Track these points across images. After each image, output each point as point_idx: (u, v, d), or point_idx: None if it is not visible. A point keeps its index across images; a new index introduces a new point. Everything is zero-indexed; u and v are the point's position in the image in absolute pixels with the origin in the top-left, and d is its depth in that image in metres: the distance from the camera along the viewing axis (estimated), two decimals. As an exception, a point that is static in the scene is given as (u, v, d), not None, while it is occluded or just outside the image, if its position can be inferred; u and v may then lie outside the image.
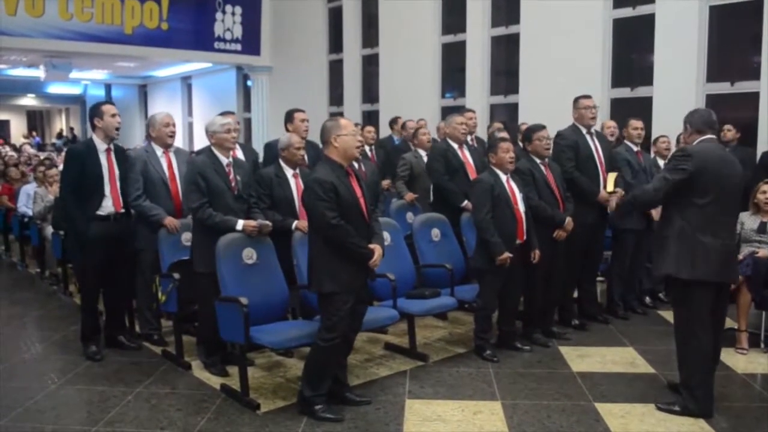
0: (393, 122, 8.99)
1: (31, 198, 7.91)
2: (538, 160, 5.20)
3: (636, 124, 6.01)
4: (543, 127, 5.22)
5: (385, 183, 7.10)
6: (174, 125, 5.19)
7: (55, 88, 22.33)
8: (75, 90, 23.24)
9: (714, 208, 3.85)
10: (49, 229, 7.30)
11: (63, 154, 12.40)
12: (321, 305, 3.90)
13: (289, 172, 4.99)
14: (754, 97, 7.61)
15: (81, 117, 24.77)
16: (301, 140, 5.10)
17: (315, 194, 3.75)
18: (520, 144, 6.98)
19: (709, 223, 3.84)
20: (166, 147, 5.15)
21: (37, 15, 11.54)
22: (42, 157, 12.00)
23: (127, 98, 20.93)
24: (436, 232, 5.45)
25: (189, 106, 18.02)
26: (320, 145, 4.14)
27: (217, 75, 16.33)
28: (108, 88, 21.90)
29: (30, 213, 7.90)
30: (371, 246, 3.88)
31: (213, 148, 4.61)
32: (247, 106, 15.18)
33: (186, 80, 18.20)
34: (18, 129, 28.03)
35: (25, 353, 5.17)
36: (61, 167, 8.73)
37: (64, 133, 25.86)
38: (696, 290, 3.86)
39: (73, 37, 12.01)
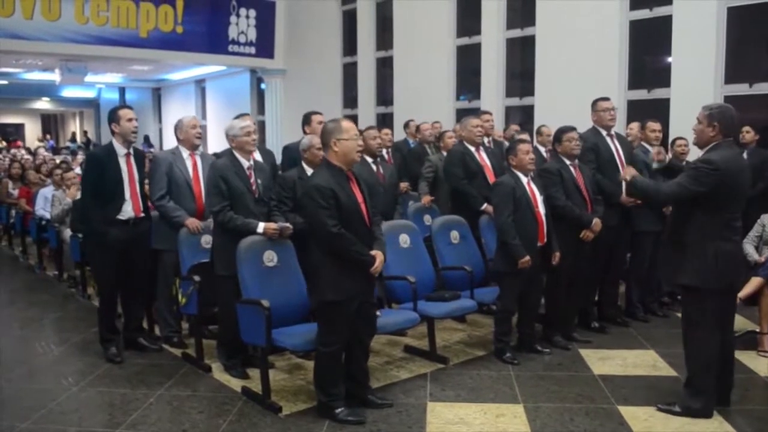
0: (405, 125, 8.99)
1: (49, 201, 7.96)
2: (567, 161, 5.18)
3: (654, 126, 5.98)
4: (573, 128, 5.20)
5: (403, 186, 7.10)
6: (200, 127, 5.23)
7: (70, 92, 22.51)
8: (89, 93, 23.40)
9: (731, 215, 3.83)
10: (67, 232, 7.33)
11: (78, 157, 12.50)
12: (321, 313, 3.88)
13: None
14: (772, 98, 7.57)
15: (95, 120, 24.95)
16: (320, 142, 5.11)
17: (315, 202, 3.70)
18: (537, 145, 7.01)
19: (727, 229, 3.81)
20: (193, 149, 5.18)
21: (54, 19, 11.64)
22: (58, 161, 12.06)
23: (141, 101, 21.04)
24: (455, 235, 5.44)
25: (203, 109, 18.09)
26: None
27: (231, 78, 16.41)
28: (122, 91, 22.06)
29: (48, 216, 7.94)
30: (373, 252, 3.84)
31: (234, 152, 4.62)
32: (261, 109, 15.24)
33: (200, 83, 18.29)
34: (32, 132, 28.27)
35: (44, 355, 5.20)
36: (77, 170, 8.81)
37: (78, 136, 26.02)
38: (710, 296, 3.80)
39: (88, 41, 12.11)
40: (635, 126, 6.76)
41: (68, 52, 12.44)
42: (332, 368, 3.91)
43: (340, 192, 3.73)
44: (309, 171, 4.97)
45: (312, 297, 3.89)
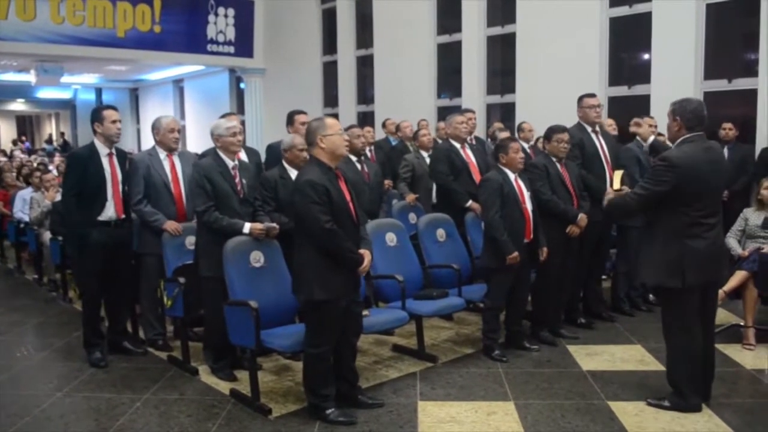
0: (383, 124, 8.98)
1: (27, 203, 7.84)
2: (554, 158, 5.19)
3: (649, 121, 5.98)
4: (564, 129, 5.21)
5: (387, 183, 7.08)
6: (179, 131, 5.12)
7: (45, 93, 22.15)
8: (65, 94, 23.05)
9: (699, 211, 3.76)
10: (47, 235, 7.23)
11: (56, 158, 12.32)
12: (308, 313, 3.83)
13: (293, 174, 4.93)
14: (751, 94, 7.64)
15: (71, 122, 24.61)
16: (304, 141, 5.06)
17: (308, 197, 3.65)
18: (519, 142, 7.02)
19: (695, 226, 3.75)
20: (170, 151, 5.10)
21: (29, 19, 11.45)
22: (36, 163, 11.89)
23: (118, 102, 20.69)
24: (441, 233, 5.43)
25: (181, 109, 17.90)
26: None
27: (209, 78, 16.26)
28: (99, 92, 21.76)
29: (26, 218, 7.81)
30: (361, 251, 3.81)
31: (218, 151, 4.57)
32: (241, 109, 15.11)
33: (178, 83, 18.10)
34: (7, 134, 27.80)
35: (28, 361, 5.11)
36: (54, 172, 8.68)
37: (54, 138, 25.67)
38: (683, 295, 3.80)
39: (64, 41, 11.92)
40: (610, 121, 6.79)
41: (44, 52, 12.23)
42: (321, 369, 3.87)
43: (331, 189, 3.70)
44: (290, 170, 4.95)
45: (298, 296, 3.83)
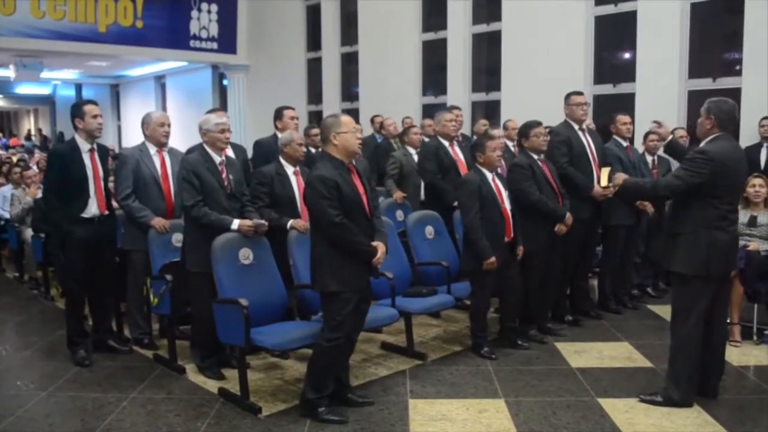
0: (371, 121, 8.95)
1: (8, 200, 7.70)
2: (535, 156, 5.19)
3: (624, 119, 6.00)
4: (540, 123, 5.22)
5: (372, 180, 7.06)
6: (169, 125, 5.07)
7: (24, 89, 21.86)
8: (44, 90, 22.76)
9: (727, 205, 3.89)
10: (28, 232, 7.11)
11: (35, 155, 12.15)
12: (325, 305, 3.82)
13: (290, 170, 4.91)
14: (735, 93, 7.68)
15: (50, 118, 24.32)
16: (302, 137, 5.04)
17: (318, 192, 3.67)
18: (504, 140, 7.03)
19: (723, 219, 3.87)
20: (160, 146, 5.03)
21: (8, 13, 11.27)
22: (15, 159, 11.70)
23: (98, 98, 20.36)
24: (430, 230, 5.42)
25: (163, 106, 17.71)
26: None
27: (192, 74, 16.11)
28: (78, 88, 21.47)
29: (7, 216, 7.69)
30: (374, 243, 3.81)
31: (205, 146, 4.52)
32: (224, 105, 14.96)
33: (160, 79, 17.93)
34: (-16, 130, 27.41)
35: (10, 360, 5.02)
36: (35, 168, 8.55)
37: (33, 134, 25.34)
38: (703, 285, 3.87)
39: (45, 36, 11.75)
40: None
41: (24, 47, 12.05)
42: (330, 364, 3.85)
43: (342, 183, 3.70)
44: (287, 166, 4.90)
45: (314, 288, 3.83)
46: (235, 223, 4.34)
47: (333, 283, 3.72)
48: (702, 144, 3.95)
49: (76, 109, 4.79)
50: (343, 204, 3.69)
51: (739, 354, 4.94)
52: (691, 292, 3.91)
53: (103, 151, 4.92)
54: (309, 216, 3.88)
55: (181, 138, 8.43)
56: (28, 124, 27.59)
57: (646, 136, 6.43)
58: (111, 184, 5.11)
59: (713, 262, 3.84)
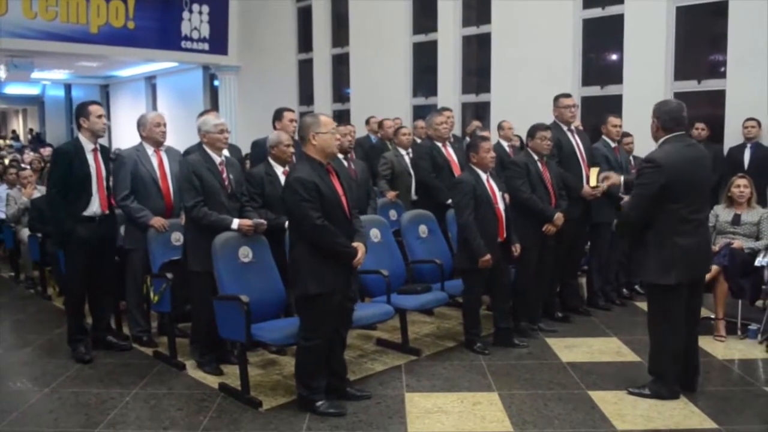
0: (366, 122, 9.04)
1: (3, 200, 7.75)
2: (535, 157, 5.31)
3: (615, 121, 6.15)
4: (548, 128, 5.34)
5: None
6: (165, 125, 5.15)
7: (12, 89, 21.76)
8: (33, 90, 22.69)
9: (687, 209, 3.90)
10: (24, 232, 7.17)
11: (26, 155, 12.14)
12: (303, 307, 3.89)
13: (279, 170, 4.99)
14: (720, 95, 7.87)
15: (39, 118, 24.22)
16: (290, 137, 5.12)
17: (298, 195, 3.71)
18: (500, 140, 7.16)
19: (684, 224, 3.89)
20: (158, 146, 5.12)
21: (0, 14, 11.28)
22: (8, 159, 11.71)
23: (88, 99, 20.42)
24: (423, 229, 5.53)
25: (154, 106, 17.73)
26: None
27: (182, 75, 16.14)
28: (68, 88, 21.45)
29: (2, 215, 7.73)
30: (354, 244, 3.88)
31: (204, 147, 4.61)
32: (214, 106, 15.00)
33: (150, 80, 17.95)
34: (-28, 131, 27.28)
35: (11, 357, 5.09)
36: (28, 169, 8.58)
37: (20, 135, 25.22)
38: (673, 291, 3.95)
39: (37, 36, 11.76)
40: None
41: (15, 47, 12.02)
42: (314, 362, 3.93)
43: (321, 185, 3.75)
44: (276, 167, 4.99)
45: (293, 290, 3.89)
46: (235, 223, 4.44)
47: (314, 286, 3.77)
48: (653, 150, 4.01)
49: (82, 109, 4.88)
50: (323, 205, 3.74)
51: (724, 348, 5.09)
52: (662, 300, 4.01)
53: (105, 151, 5.01)
54: (288, 218, 3.89)
55: (172, 138, 8.48)
56: (17, 124, 27.46)
57: (620, 140, 6.46)
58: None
59: (677, 270, 3.88)
